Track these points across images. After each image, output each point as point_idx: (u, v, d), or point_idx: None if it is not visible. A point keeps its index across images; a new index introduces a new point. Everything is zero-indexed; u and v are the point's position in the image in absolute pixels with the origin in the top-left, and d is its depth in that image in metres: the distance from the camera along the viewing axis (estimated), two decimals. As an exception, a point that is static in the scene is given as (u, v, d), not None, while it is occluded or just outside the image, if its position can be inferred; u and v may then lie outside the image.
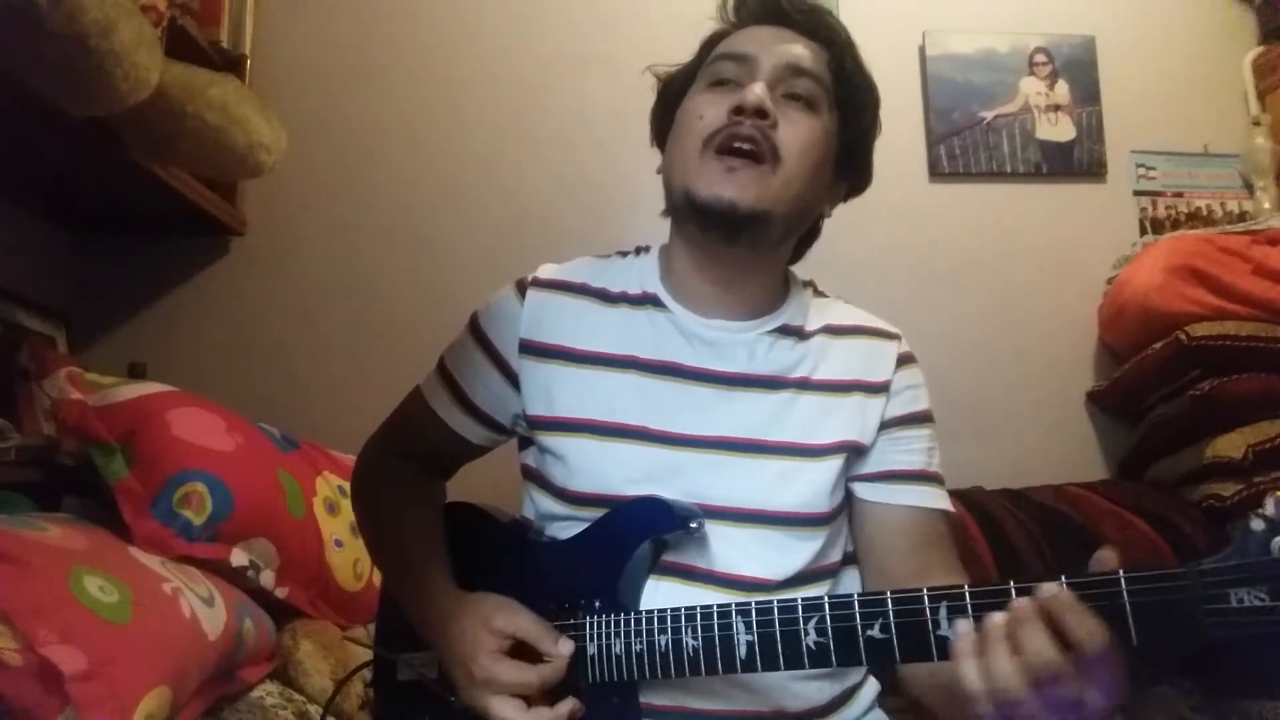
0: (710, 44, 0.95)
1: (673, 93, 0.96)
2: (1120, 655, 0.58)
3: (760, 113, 0.84)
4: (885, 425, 0.91)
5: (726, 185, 0.83)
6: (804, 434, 0.88)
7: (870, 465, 0.91)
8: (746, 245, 0.87)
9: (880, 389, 0.92)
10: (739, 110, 0.84)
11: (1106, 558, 0.62)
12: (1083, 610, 0.58)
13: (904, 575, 0.86)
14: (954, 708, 0.74)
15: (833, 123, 0.90)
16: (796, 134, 0.85)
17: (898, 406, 0.92)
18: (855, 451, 0.90)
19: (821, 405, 0.89)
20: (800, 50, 0.88)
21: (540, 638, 0.81)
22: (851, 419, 0.90)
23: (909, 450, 0.92)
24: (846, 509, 0.92)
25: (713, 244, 0.88)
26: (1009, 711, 0.58)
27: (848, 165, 0.94)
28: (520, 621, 0.82)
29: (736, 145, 0.84)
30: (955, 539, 0.94)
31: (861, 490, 0.91)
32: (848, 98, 0.91)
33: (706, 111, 0.87)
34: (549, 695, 0.79)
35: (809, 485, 0.87)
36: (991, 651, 0.60)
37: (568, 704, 0.78)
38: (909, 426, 0.92)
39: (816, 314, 0.96)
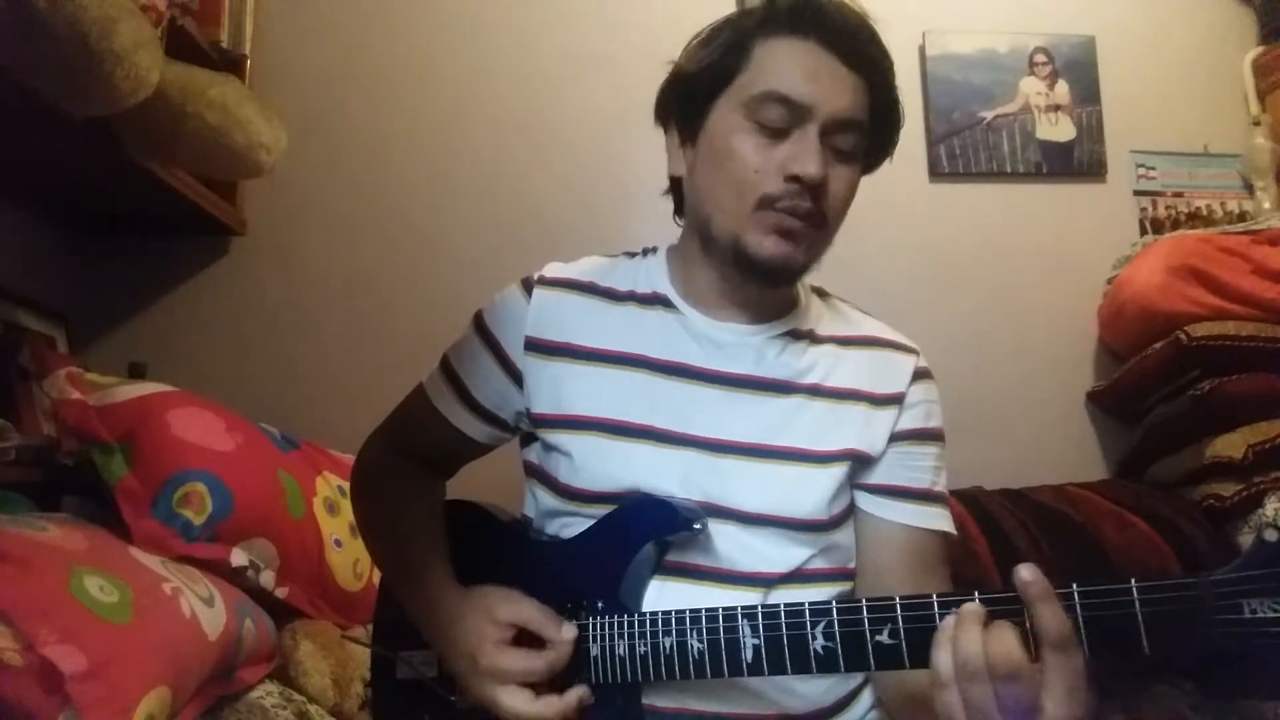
0: (745, 38, 0.87)
1: (700, 89, 0.89)
2: (1081, 664, 0.58)
3: (818, 185, 0.83)
4: (895, 438, 0.90)
5: (782, 248, 0.84)
6: (812, 440, 0.88)
7: (876, 477, 0.90)
8: (784, 287, 0.92)
9: (892, 400, 0.91)
10: (796, 179, 0.82)
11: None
12: (1054, 602, 0.59)
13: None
14: (918, 716, 0.75)
15: (860, 163, 0.89)
16: (839, 192, 0.86)
17: (910, 420, 0.91)
18: (861, 461, 0.89)
19: (832, 412, 0.89)
20: (850, 100, 0.85)
21: (544, 624, 0.81)
22: (859, 428, 0.89)
23: (916, 468, 0.91)
24: (853, 518, 0.92)
25: (750, 285, 0.89)
26: (970, 697, 0.59)
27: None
28: (523, 610, 0.82)
29: (793, 218, 0.84)
30: (952, 559, 0.94)
31: (864, 501, 0.91)
32: (878, 134, 0.90)
33: (757, 162, 0.84)
34: (556, 684, 0.79)
35: (813, 492, 0.86)
36: (964, 633, 0.60)
37: (577, 691, 0.78)
38: (919, 442, 0.92)
39: (829, 320, 0.96)
